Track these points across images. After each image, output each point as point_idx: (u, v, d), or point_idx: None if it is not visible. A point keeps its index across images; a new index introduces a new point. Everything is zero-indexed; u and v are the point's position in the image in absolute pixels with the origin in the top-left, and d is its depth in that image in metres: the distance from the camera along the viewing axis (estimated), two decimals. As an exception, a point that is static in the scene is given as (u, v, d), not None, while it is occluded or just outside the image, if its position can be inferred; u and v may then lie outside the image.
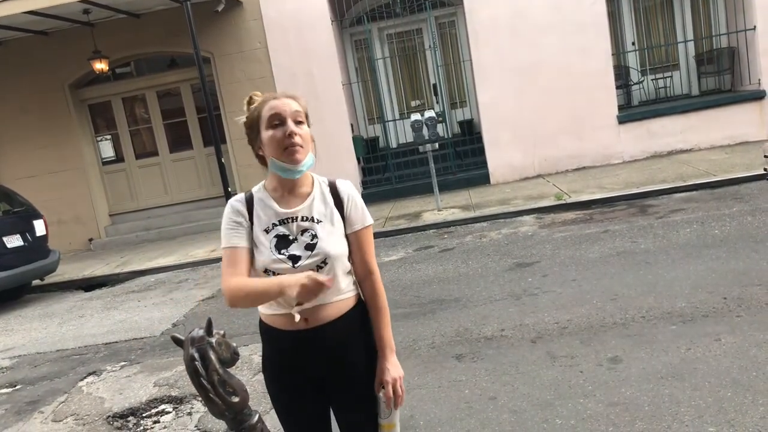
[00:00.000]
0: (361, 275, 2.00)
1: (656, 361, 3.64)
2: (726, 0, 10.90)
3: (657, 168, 9.31)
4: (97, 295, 8.19)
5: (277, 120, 1.86)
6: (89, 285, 8.83)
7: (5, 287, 8.06)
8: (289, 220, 1.90)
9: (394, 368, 1.96)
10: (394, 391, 1.93)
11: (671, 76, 11.43)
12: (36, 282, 8.85)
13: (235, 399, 1.63)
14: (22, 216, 8.58)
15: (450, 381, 3.85)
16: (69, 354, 5.71)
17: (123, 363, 5.19)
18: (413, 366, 4.14)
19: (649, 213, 7.19)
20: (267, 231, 1.89)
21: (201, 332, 1.63)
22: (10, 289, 8.28)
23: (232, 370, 1.75)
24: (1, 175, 11.37)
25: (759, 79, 10.08)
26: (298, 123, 1.88)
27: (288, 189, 1.94)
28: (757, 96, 10.02)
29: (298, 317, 1.85)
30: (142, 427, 3.96)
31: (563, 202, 8.29)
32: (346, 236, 1.96)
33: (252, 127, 1.92)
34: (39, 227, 8.65)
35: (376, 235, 8.50)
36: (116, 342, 5.83)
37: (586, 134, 10.38)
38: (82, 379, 4.96)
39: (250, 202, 1.93)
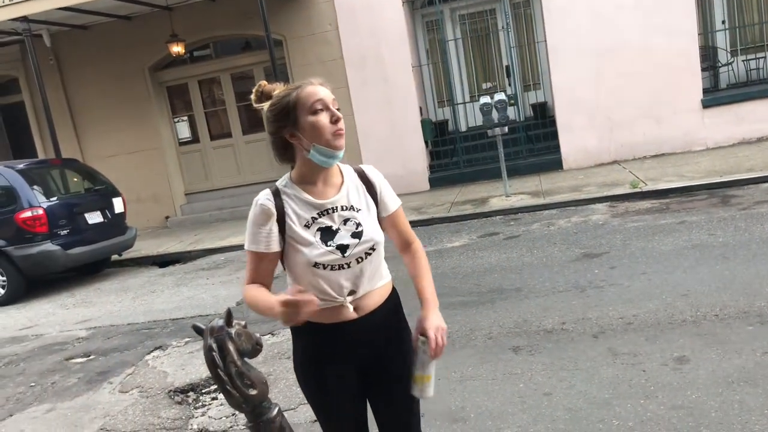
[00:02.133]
0: (402, 246, 2.06)
1: (728, 364, 3.41)
2: (830, -26, 10.06)
3: (744, 155, 8.74)
4: (169, 272, 8.50)
5: (321, 105, 1.82)
6: (163, 261, 9.18)
7: (86, 261, 8.50)
8: (330, 211, 1.87)
9: (437, 318, 1.91)
10: (441, 343, 1.87)
11: (765, 57, 10.66)
12: (114, 257, 9.28)
13: (253, 392, 1.61)
14: (102, 194, 8.98)
15: (505, 374, 3.75)
16: (139, 328, 5.96)
17: (187, 339, 5.36)
18: (468, 356, 4.06)
19: (731, 204, 6.76)
20: (307, 226, 1.85)
21: (220, 322, 1.62)
22: (90, 263, 8.72)
23: (265, 360, 1.73)
24: (83, 154, 11.96)
25: None
26: (337, 110, 1.87)
27: (322, 179, 1.90)
28: None
29: (351, 307, 1.87)
30: (200, 403, 4.07)
31: (638, 190, 7.91)
32: (380, 220, 1.97)
33: (285, 113, 1.85)
34: (118, 205, 9.04)
35: (441, 221, 8.43)
36: (183, 318, 6.02)
37: (667, 119, 9.86)
38: (149, 353, 5.16)
39: (279, 200, 1.87)
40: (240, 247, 9.01)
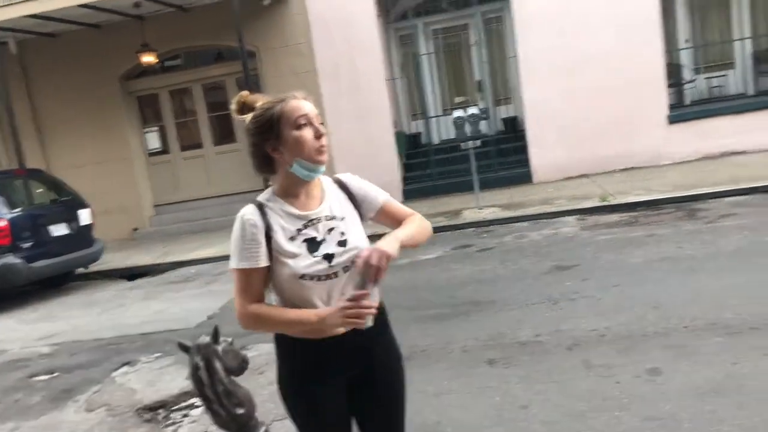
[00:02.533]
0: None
1: (698, 375, 3.46)
2: (788, -5, 10.40)
3: (708, 170, 8.95)
4: (138, 285, 8.34)
5: (305, 120, 1.82)
6: (131, 274, 9.00)
7: (50, 274, 8.29)
8: (315, 221, 1.86)
9: (386, 243, 1.79)
10: (372, 261, 1.71)
11: (726, 75, 10.97)
12: (80, 270, 9.06)
13: (240, 411, 1.58)
14: (68, 205, 8.78)
15: (480, 387, 3.75)
16: (106, 343, 5.81)
17: (157, 354, 5.24)
18: (443, 370, 4.05)
19: (697, 217, 6.90)
20: (293, 238, 1.84)
21: (207, 339, 1.58)
22: (54, 276, 8.50)
23: (250, 377, 1.70)
24: (50, 165, 11.69)
25: (822, 79, 9.59)
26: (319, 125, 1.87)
27: (304, 192, 1.89)
28: (819, 97, 9.54)
29: (371, 321, 1.81)
30: (171, 421, 3.98)
31: (608, 203, 8.04)
32: (375, 218, 1.99)
33: (268, 127, 1.84)
34: (85, 216, 8.84)
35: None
36: (152, 333, 5.90)
37: (635, 134, 10.06)
38: (116, 369, 5.03)
39: (263, 214, 1.85)
40: (211, 259, 8.90)
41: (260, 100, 1.90)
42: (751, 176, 8.09)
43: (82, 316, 7.00)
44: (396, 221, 2.00)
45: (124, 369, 5.02)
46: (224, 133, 12.17)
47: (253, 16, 10.70)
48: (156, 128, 12.43)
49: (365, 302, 1.66)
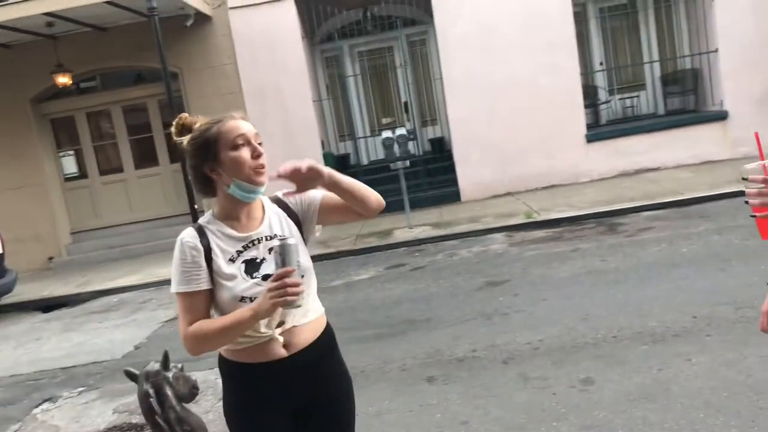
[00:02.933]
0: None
1: (628, 383, 3.60)
2: (689, 23, 11.14)
3: (625, 186, 9.40)
4: (55, 317, 7.90)
5: (242, 140, 1.79)
6: (48, 306, 8.51)
7: (-41, 308, 7.74)
8: (255, 242, 1.83)
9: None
10: (300, 165, 1.73)
11: (638, 96, 11.62)
12: (-8, 302, 8.52)
13: (192, 438, 1.52)
14: (-22, 234, 8.26)
15: (421, 405, 3.76)
16: (23, 379, 5.47)
17: (81, 388, 4.98)
18: (383, 389, 4.04)
19: (618, 231, 7.23)
20: (232, 260, 1.80)
21: (157, 366, 1.52)
22: (-36, 310, 7.95)
23: (194, 400, 1.64)
24: (-43, 192, 10.98)
25: (722, 100, 10.29)
26: (258, 145, 1.83)
27: (245, 213, 1.86)
28: (720, 116, 10.22)
29: (281, 339, 1.79)
30: (98, 457, 3.78)
31: (533, 220, 8.30)
32: (321, 214, 1.94)
33: (206, 148, 1.80)
34: (-4, 245, 8.33)
35: (348, 254, 8.42)
36: (74, 366, 5.60)
37: (555, 152, 10.45)
38: (36, 406, 4.74)
39: (203, 237, 1.81)
40: (135, 287, 8.57)
41: (198, 122, 1.86)
42: (664, 191, 8.56)
43: (-5, 352, 6.57)
44: (342, 206, 1.92)
45: (46, 405, 4.73)
46: (146, 156, 11.79)
47: (175, 37, 10.48)
48: (72, 152, 11.90)
49: (289, 280, 1.59)
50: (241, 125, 1.81)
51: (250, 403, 1.86)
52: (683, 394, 3.37)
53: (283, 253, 1.62)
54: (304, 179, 1.77)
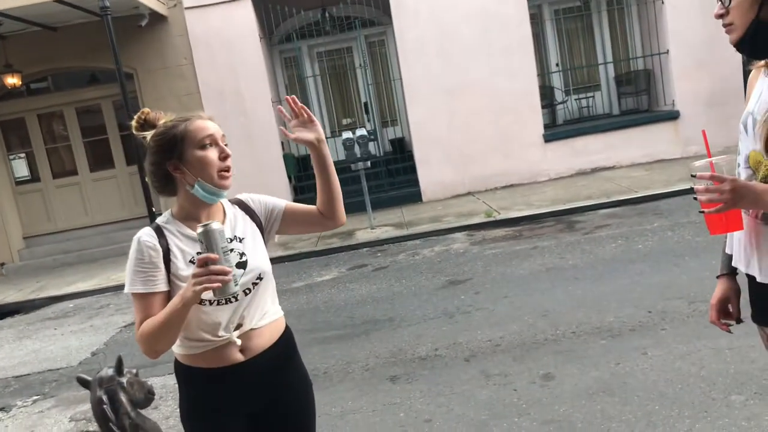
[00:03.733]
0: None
1: (587, 377, 3.68)
2: (641, 25, 11.44)
3: (582, 185, 9.60)
4: (8, 324, 7.66)
5: (210, 141, 1.77)
6: (0, 313, 8.25)
7: None
8: None
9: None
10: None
11: (593, 96, 11.87)
12: (-61, 311, 8.21)
13: (150, 444, 1.49)
14: (-77, 240, 7.95)
15: (385, 404, 3.77)
16: (-26, 389, 5.29)
17: (36, 397, 4.84)
18: (347, 390, 4.03)
19: (575, 229, 7.37)
20: (192, 262, 1.76)
21: (110, 372, 1.49)
22: None
23: (153, 403, 1.61)
24: None
25: (673, 100, 10.59)
26: (226, 146, 1.82)
27: (205, 214, 1.82)
28: (671, 116, 10.52)
29: (239, 342, 1.77)
30: (55, 468, 3.68)
31: (493, 219, 8.40)
32: (284, 223, 1.95)
33: (170, 146, 1.77)
34: (-57, 252, 8.04)
35: (309, 255, 8.39)
36: (28, 374, 5.44)
37: (514, 152, 10.60)
38: (-12, 417, 4.59)
39: (161, 237, 1.77)
40: (91, 292, 8.38)
41: (163, 118, 1.83)
42: (620, 189, 8.76)
43: (-57, 362, 6.33)
44: (304, 215, 1.98)
45: (-2, 416, 4.59)
46: (101, 158, 11.52)
47: (129, 37, 10.27)
48: (23, 154, 11.55)
49: (214, 267, 1.54)
50: (208, 125, 1.79)
51: (206, 408, 1.84)
52: (639, 387, 3.46)
53: (206, 239, 1.56)
54: (302, 122, 1.87)
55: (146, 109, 1.85)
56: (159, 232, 1.78)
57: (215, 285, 1.54)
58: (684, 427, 3.00)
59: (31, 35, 10.23)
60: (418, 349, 4.51)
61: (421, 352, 4.43)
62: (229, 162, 1.80)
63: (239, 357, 1.80)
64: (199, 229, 1.57)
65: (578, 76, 12.05)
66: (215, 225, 1.57)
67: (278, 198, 2.00)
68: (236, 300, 1.77)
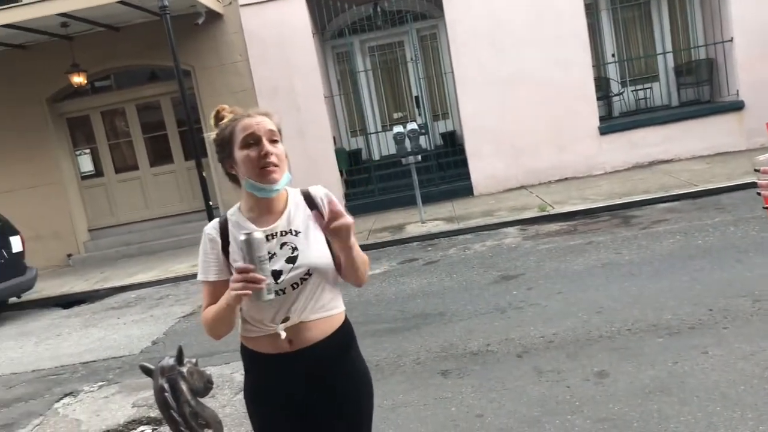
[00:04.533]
0: None
1: (643, 375, 3.60)
2: (704, 12, 11.04)
3: (639, 179, 9.35)
4: (75, 313, 8.02)
5: (252, 140, 1.81)
6: (67, 302, 8.64)
7: (-20, 305, 7.88)
8: (270, 237, 1.83)
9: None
10: (341, 214, 1.76)
11: (651, 88, 11.53)
12: (13, 300, 8.64)
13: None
14: (-3, 232, 8.38)
15: (436, 398, 3.78)
16: (45, 374, 5.56)
17: (101, 383, 5.06)
18: (398, 383, 4.06)
19: (632, 224, 7.20)
20: None
21: (171, 361, 1.56)
22: (-15, 307, 8.09)
23: (210, 392, 1.67)
24: (-24, 191, 11.15)
25: (737, 90, 10.19)
26: (272, 142, 1.83)
27: (265, 208, 1.88)
28: (735, 107, 10.13)
29: (284, 334, 1.81)
30: (119, 451, 3.85)
31: (547, 213, 8.28)
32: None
33: (223, 146, 1.86)
34: (15, 243, 8.45)
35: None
36: (94, 361, 5.68)
37: (568, 145, 10.41)
38: (58, 401, 4.82)
39: (224, 228, 1.88)
40: (152, 283, 8.67)
41: (227, 116, 1.90)
42: (679, 183, 8.50)
43: (16, 348, 6.68)
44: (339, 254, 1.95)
45: (67, 400, 4.82)
46: (161, 154, 11.89)
47: (187, 35, 10.55)
48: (88, 150, 12.03)
49: (251, 275, 1.63)
50: (252, 123, 1.82)
51: (261, 391, 1.92)
52: (699, 387, 3.36)
53: (246, 247, 1.64)
54: (335, 228, 1.77)
55: (220, 107, 1.92)
56: (223, 224, 1.88)
57: (247, 293, 1.63)
58: (746, 430, 2.91)
59: (95, 35, 10.63)
60: (470, 344, 4.50)
61: (473, 347, 4.42)
62: (270, 158, 1.80)
63: (286, 347, 1.84)
64: (242, 237, 1.65)
65: (635, 67, 11.73)
66: (257, 235, 1.65)
67: (345, 214, 1.92)
68: (284, 293, 1.81)
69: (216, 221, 1.91)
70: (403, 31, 11.55)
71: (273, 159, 1.80)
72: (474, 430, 3.34)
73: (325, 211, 1.85)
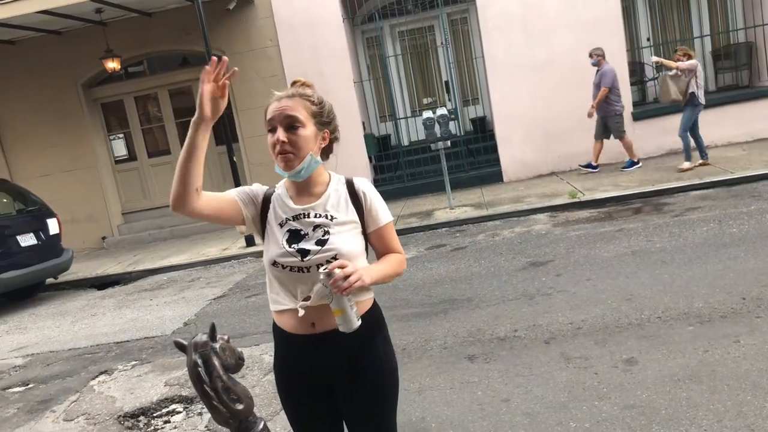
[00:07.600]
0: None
1: (673, 363, 3.56)
2: (743, -6, 10.74)
3: (672, 165, 9.18)
4: (109, 294, 8.21)
5: (270, 126, 1.85)
6: (102, 283, 8.86)
7: (19, 285, 8.11)
8: (302, 216, 1.88)
9: (366, 271, 1.80)
10: (347, 274, 1.72)
11: (687, 72, 11.25)
12: (50, 280, 8.89)
13: (240, 406, 1.59)
14: (35, 215, 8.61)
15: (462, 382, 3.80)
16: (81, 353, 5.72)
17: (134, 362, 5.19)
18: (425, 367, 4.09)
19: (664, 211, 7.08)
20: (281, 225, 1.90)
21: (204, 337, 1.60)
22: (24, 287, 8.33)
23: (240, 373, 1.71)
24: (14, 174, 11.45)
25: (777, 75, 9.92)
26: (292, 128, 1.84)
27: (302, 188, 1.93)
28: (775, 92, 9.86)
29: (302, 312, 1.84)
30: (152, 427, 3.94)
31: (577, 200, 8.19)
32: (367, 234, 1.95)
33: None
34: (52, 226, 8.68)
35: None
36: (128, 341, 5.83)
37: (600, 131, 10.23)
38: (93, 378, 4.96)
39: (269, 195, 1.97)
40: (183, 266, 8.83)
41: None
42: (714, 170, 8.33)
43: (54, 327, 6.87)
44: (383, 249, 1.98)
45: (102, 378, 4.95)
46: (192, 138, 12.03)
47: (218, 20, 10.63)
48: (122, 135, 12.25)
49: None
50: (272, 108, 1.86)
51: (288, 369, 1.96)
52: (730, 376, 3.32)
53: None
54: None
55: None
56: (270, 191, 1.98)
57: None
58: (777, 419, 2.87)
59: (128, 21, 10.78)
60: (497, 329, 4.50)
61: (500, 333, 4.42)
62: (283, 146, 1.82)
63: (310, 329, 1.87)
64: (322, 272, 1.72)
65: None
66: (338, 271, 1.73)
67: (387, 212, 1.97)
68: (308, 272, 1.83)
69: (266, 188, 2.01)
70: (433, 16, 11.47)
71: (286, 147, 1.82)
72: (500, 414, 3.35)
73: (365, 207, 1.93)
